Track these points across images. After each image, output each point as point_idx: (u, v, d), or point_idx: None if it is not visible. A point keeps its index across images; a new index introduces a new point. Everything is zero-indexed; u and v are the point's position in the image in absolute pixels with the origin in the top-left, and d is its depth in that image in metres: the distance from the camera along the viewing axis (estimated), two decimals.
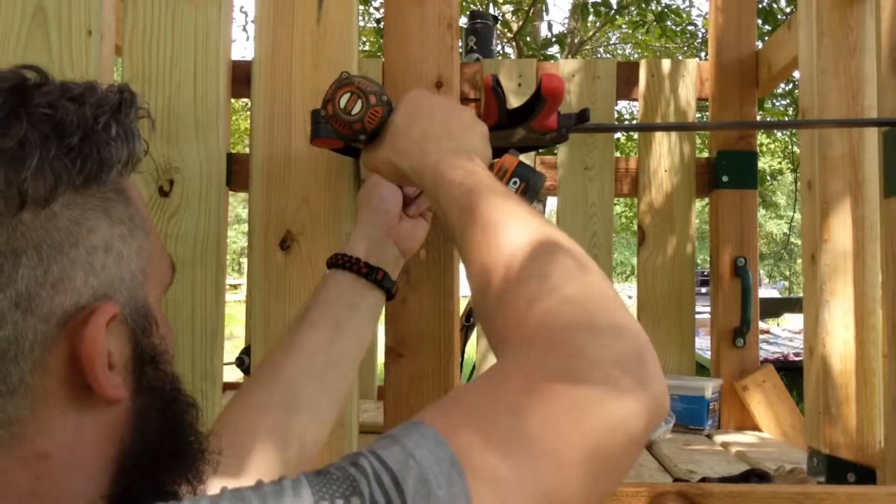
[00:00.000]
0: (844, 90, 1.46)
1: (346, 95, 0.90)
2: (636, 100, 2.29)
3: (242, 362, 1.33)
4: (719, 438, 2.00)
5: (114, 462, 0.52)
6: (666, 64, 2.29)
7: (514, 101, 1.27)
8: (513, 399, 0.50)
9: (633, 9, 5.33)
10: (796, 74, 1.78)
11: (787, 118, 6.20)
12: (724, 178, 2.13)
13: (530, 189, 0.92)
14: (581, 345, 0.53)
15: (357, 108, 0.89)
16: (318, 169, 1.18)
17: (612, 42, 10.72)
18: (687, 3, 7.25)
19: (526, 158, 2.27)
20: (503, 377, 0.53)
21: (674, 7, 5.65)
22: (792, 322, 9.93)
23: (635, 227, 2.24)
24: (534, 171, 0.94)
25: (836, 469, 1.43)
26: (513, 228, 0.66)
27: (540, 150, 2.15)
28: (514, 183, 0.92)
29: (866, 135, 1.44)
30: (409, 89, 1.17)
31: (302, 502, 0.42)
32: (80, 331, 0.48)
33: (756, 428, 2.10)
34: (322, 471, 0.45)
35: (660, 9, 5.20)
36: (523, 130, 1.06)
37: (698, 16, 8.16)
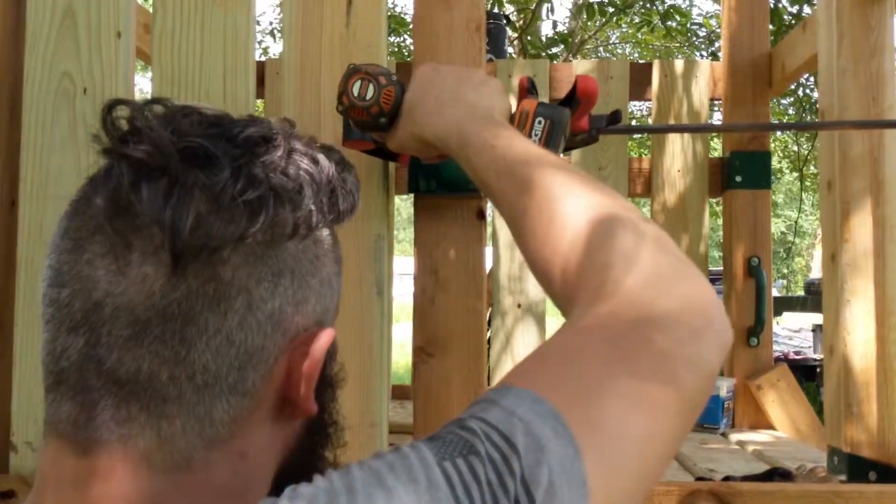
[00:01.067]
0: (864, 90, 1.46)
1: (358, 83, 0.91)
2: (649, 100, 2.30)
3: None
4: (734, 437, 2.01)
5: (276, 468, 0.58)
6: (679, 64, 2.30)
7: None
8: (598, 352, 0.53)
9: (638, 7, 5.35)
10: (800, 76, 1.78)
11: (787, 118, 6.20)
12: (738, 178, 2.14)
13: (556, 125, 0.92)
14: (652, 297, 0.56)
15: (370, 93, 0.91)
16: None
17: (611, 42, 10.73)
18: (688, 2, 7.24)
19: None
20: (583, 332, 0.56)
21: (678, 7, 5.66)
22: (791, 321, 9.93)
23: None
24: (554, 107, 0.93)
25: (857, 468, 1.44)
26: (569, 200, 0.67)
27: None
28: (539, 123, 0.92)
29: (887, 134, 1.44)
30: None
31: (427, 463, 0.45)
32: (304, 349, 0.55)
33: (770, 427, 2.11)
34: (433, 436, 0.48)
35: (665, 7, 5.22)
36: None
37: (699, 14, 8.18)
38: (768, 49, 2.15)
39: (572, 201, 0.66)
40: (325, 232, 0.58)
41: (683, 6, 6.55)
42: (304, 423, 0.59)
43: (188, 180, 0.50)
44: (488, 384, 1.53)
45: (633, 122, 7.11)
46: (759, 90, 2.14)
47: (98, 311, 0.50)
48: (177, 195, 0.49)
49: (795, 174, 9.49)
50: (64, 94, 1.20)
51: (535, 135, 0.91)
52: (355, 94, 0.91)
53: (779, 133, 9.29)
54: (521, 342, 2.26)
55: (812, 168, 9.35)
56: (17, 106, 1.22)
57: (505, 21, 2.63)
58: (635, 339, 0.54)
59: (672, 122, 2.26)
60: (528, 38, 5.70)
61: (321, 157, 0.57)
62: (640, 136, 6.06)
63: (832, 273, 1.52)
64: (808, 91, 5.20)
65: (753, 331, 2.11)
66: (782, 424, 2.07)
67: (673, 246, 0.62)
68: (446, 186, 1.16)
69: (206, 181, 0.50)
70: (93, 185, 0.53)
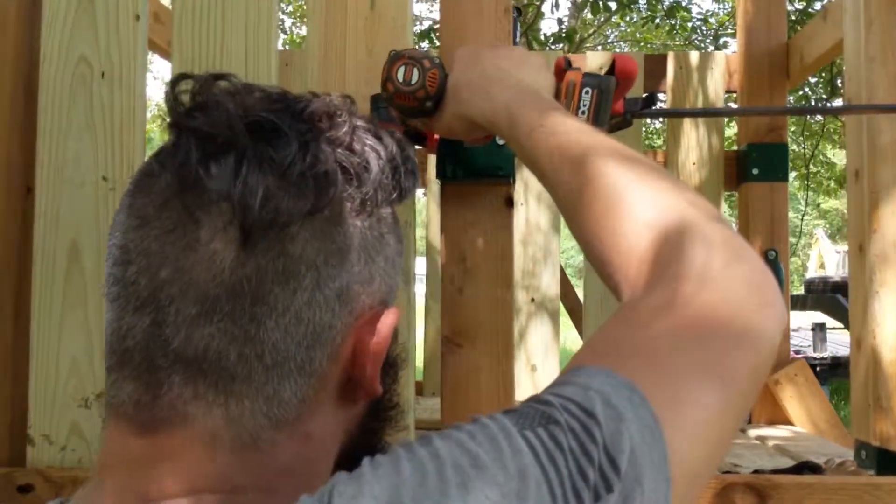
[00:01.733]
0: (894, 79, 1.44)
1: (402, 68, 0.90)
2: (664, 92, 2.28)
3: None
4: (753, 432, 1.98)
5: (338, 451, 0.57)
6: (694, 56, 2.27)
7: None
8: (666, 330, 0.52)
9: (642, 3, 5.33)
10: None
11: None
12: (755, 171, 2.11)
13: (603, 94, 0.90)
14: (714, 276, 0.55)
15: (415, 77, 0.89)
16: None
17: (609, 41, 10.72)
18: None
19: None
20: (648, 313, 0.54)
21: (681, 4, 5.65)
22: (791, 319, 9.91)
23: None
24: (600, 76, 0.92)
25: (887, 462, 1.41)
26: (630, 189, 0.64)
27: None
28: (587, 93, 0.90)
29: None
30: None
31: (508, 432, 0.44)
32: (370, 328, 0.54)
33: (788, 422, 2.08)
34: (510, 410, 0.47)
35: (669, 4, 5.19)
36: None
37: (699, 13, 8.18)
38: (785, 39, 2.13)
39: (634, 190, 0.63)
40: (388, 210, 0.58)
41: (685, 3, 6.54)
42: (367, 405, 0.58)
43: (256, 155, 0.49)
44: None
45: (645, 128, 7.08)
46: (777, 81, 2.12)
47: (165, 288, 0.48)
48: (245, 170, 0.49)
49: (793, 174, 9.49)
50: (81, 79, 1.17)
51: (584, 105, 0.90)
52: (400, 79, 0.89)
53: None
54: (535, 337, 2.23)
55: (812, 167, 9.36)
56: (32, 90, 1.19)
57: (517, 13, 2.60)
58: (708, 317, 0.53)
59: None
60: (531, 34, 5.68)
61: (384, 135, 0.57)
62: (659, 124, 6.03)
63: (860, 264, 1.49)
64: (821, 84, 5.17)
65: None
66: (800, 420, 2.05)
67: (741, 246, 0.59)
68: (474, 173, 1.13)
69: (274, 156, 0.50)
70: (159, 161, 0.52)
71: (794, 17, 4.49)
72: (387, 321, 0.55)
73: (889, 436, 1.42)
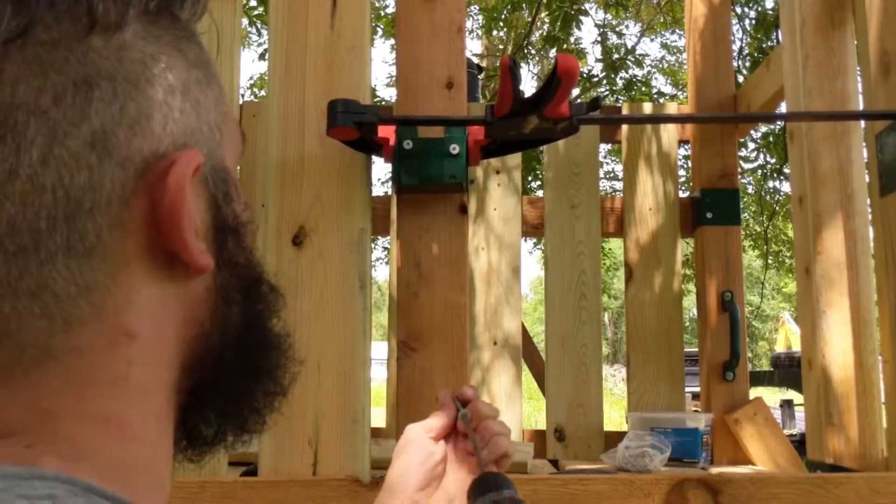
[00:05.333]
0: (830, 109, 1.52)
1: None
2: (619, 142, 2.35)
3: None
4: (716, 471, 1.98)
5: (189, 349, 0.46)
6: (647, 107, 2.36)
7: None
8: None
9: (600, 77, 5.54)
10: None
11: (755, 164, 6.35)
12: (709, 215, 2.18)
13: None
14: None
15: None
16: (330, 166, 1.19)
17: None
18: (646, 70, 7.46)
19: (514, 199, 2.28)
20: None
21: (640, 78, 5.87)
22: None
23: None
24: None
25: None
26: None
27: (526, 191, 2.17)
28: None
29: (854, 149, 1.49)
30: (420, 89, 1.21)
31: None
32: (162, 183, 0.41)
33: (749, 462, 2.09)
34: None
35: (628, 79, 5.40)
36: (536, 119, 1.09)
37: (651, 64, 8.45)
38: (733, 91, 2.22)
39: None
40: (165, 21, 0.44)
41: (644, 73, 6.77)
42: (215, 284, 0.47)
43: None
44: None
45: (603, 182, 7.24)
46: (727, 131, 2.20)
47: None
48: None
49: (757, 252, 9.66)
50: None
51: None
52: None
53: (743, 214, 9.47)
54: (498, 378, 2.23)
55: (773, 246, 9.54)
56: None
57: (477, 70, 2.70)
58: None
59: (642, 163, 2.31)
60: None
61: None
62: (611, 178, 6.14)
63: (807, 286, 1.54)
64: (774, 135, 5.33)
65: (729, 365, 2.11)
66: (761, 459, 2.05)
67: None
68: (428, 180, 1.17)
69: None
70: None
71: (744, 70, 4.67)
72: (177, 169, 0.42)
73: (841, 452, 1.44)
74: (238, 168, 1.19)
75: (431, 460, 0.85)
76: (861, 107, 1.47)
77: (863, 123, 1.45)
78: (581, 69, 1.14)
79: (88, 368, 0.40)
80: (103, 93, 0.40)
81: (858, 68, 1.49)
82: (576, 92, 5.75)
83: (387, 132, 1.17)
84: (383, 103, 6.08)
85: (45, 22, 0.38)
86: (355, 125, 1.10)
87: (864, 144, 1.48)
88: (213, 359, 0.47)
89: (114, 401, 0.41)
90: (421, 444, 0.86)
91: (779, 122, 4.13)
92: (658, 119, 2.26)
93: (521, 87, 1.06)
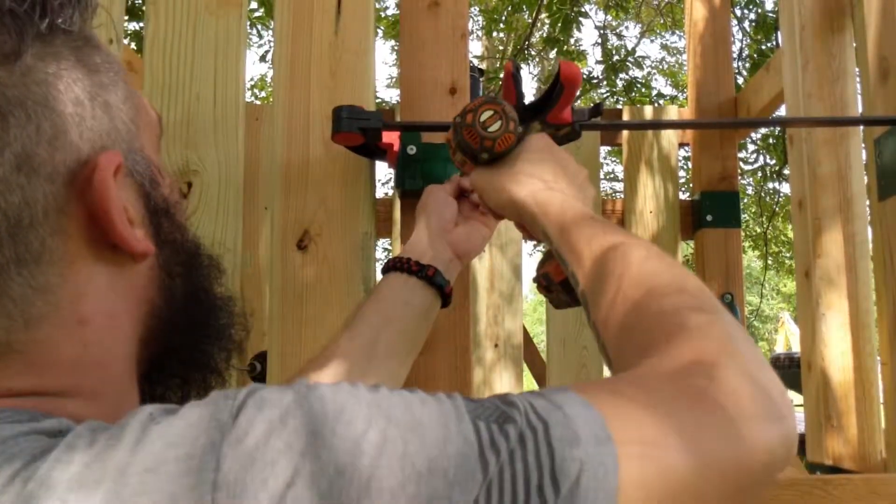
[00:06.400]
0: (829, 113, 1.53)
1: (490, 112, 0.90)
2: (620, 145, 2.37)
3: (254, 368, 1.33)
4: None
5: (144, 325, 0.52)
6: (648, 111, 2.37)
7: None
8: (664, 395, 0.48)
9: (600, 79, 5.56)
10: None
11: (755, 165, 6.37)
12: (709, 218, 2.19)
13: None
14: (730, 363, 0.52)
15: (495, 127, 0.89)
16: (335, 171, 1.20)
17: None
18: (646, 72, 7.49)
19: None
20: (652, 376, 0.51)
21: (640, 80, 5.89)
22: None
23: None
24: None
25: None
26: (650, 264, 0.63)
27: None
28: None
29: (852, 153, 1.50)
30: (424, 95, 1.22)
31: (459, 412, 0.41)
32: (89, 186, 0.46)
33: None
34: (475, 398, 0.44)
35: (628, 80, 5.42)
36: (539, 125, 1.10)
37: (651, 66, 8.47)
38: (733, 94, 2.24)
39: (676, 284, 0.61)
40: (59, 37, 0.47)
41: (644, 74, 6.79)
42: (159, 263, 0.52)
43: None
44: None
45: (604, 183, 7.29)
46: (727, 134, 2.21)
47: None
48: None
49: (756, 252, 9.67)
50: None
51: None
52: (481, 119, 0.90)
53: (743, 215, 9.50)
54: (499, 381, 2.25)
55: (773, 247, 9.56)
56: None
57: (478, 73, 2.71)
58: (710, 399, 0.48)
59: (642, 166, 2.32)
60: None
61: None
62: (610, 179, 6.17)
63: (806, 289, 1.55)
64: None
65: None
66: None
67: (762, 358, 0.55)
68: (432, 183, 1.18)
69: None
70: None
71: (744, 72, 4.70)
72: (99, 172, 0.46)
73: (840, 454, 1.46)
74: (219, 164, 1.20)
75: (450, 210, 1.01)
76: (860, 111, 1.48)
77: (862, 128, 1.46)
78: (581, 71, 1.17)
79: (47, 355, 0.46)
80: (17, 119, 0.43)
81: (857, 69, 1.51)
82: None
83: (391, 138, 1.18)
84: (383, 104, 6.10)
85: None
86: (360, 131, 1.12)
87: (863, 148, 1.50)
88: (167, 329, 0.53)
89: (71, 377, 0.47)
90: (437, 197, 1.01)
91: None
92: (660, 125, 2.27)
93: (523, 92, 1.07)
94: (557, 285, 0.97)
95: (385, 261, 0.99)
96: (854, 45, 1.54)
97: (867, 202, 1.49)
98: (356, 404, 0.39)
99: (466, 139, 0.91)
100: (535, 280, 1.01)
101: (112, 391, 0.50)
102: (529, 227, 0.85)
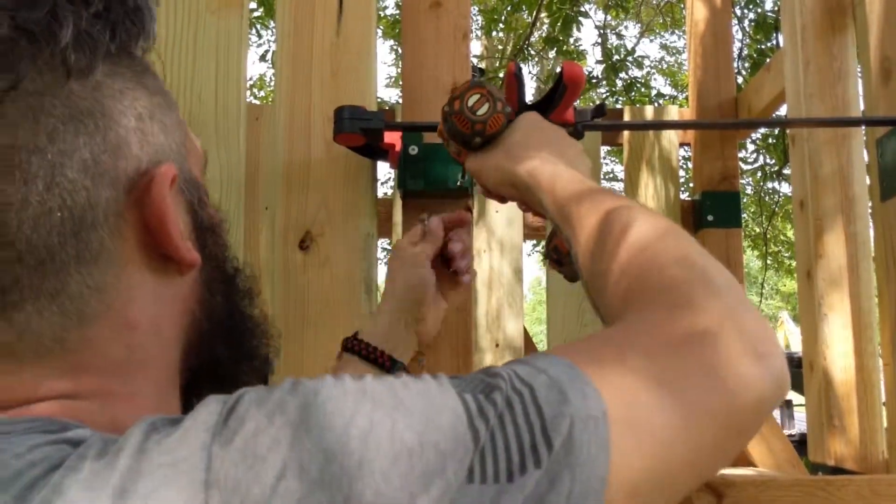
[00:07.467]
0: (831, 114, 1.53)
1: (476, 96, 0.91)
2: (621, 145, 2.36)
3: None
4: (718, 474, 1.99)
5: (185, 334, 0.54)
6: (649, 111, 2.37)
7: None
8: (645, 345, 0.50)
9: (600, 79, 5.56)
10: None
11: (755, 165, 6.38)
12: (710, 218, 2.19)
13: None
14: (709, 307, 0.53)
15: (483, 110, 0.90)
16: (336, 171, 1.20)
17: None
18: (646, 71, 7.50)
19: (512, 214, 2.29)
20: (632, 329, 0.53)
21: (640, 79, 5.89)
22: None
23: None
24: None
25: None
26: (641, 222, 0.64)
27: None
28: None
29: (854, 152, 1.50)
30: (426, 95, 1.22)
31: (444, 388, 0.43)
32: (147, 195, 0.50)
33: (751, 463, 2.10)
34: (456, 375, 0.45)
35: (628, 80, 5.43)
36: None
37: (651, 66, 8.46)
38: (734, 94, 2.23)
39: (660, 240, 0.62)
40: (125, 60, 0.51)
41: (643, 73, 6.79)
42: (201, 278, 0.55)
43: None
44: None
45: (604, 183, 7.27)
46: (727, 134, 2.21)
47: None
48: None
49: (756, 252, 9.67)
50: None
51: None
52: (469, 104, 0.90)
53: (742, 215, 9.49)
54: None
55: (773, 247, 9.57)
56: None
57: (479, 73, 2.70)
58: (690, 345, 0.50)
59: (643, 166, 2.32)
60: None
61: None
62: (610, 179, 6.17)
63: (808, 289, 1.55)
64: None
65: None
66: (763, 460, 2.06)
67: (744, 297, 0.57)
68: (433, 185, 1.18)
69: None
70: None
71: (744, 71, 4.70)
72: (156, 184, 0.50)
73: (842, 455, 1.45)
74: (221, 164, 1.20)
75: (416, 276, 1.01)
76: (862, 111, 1.48)
77: (863, 128, 1.46)
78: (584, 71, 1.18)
79: (95, 355, 0.48)
80: (87, 127, 0.47)
81: (859, 69, 1.50)
82: None
83: (392, 138, 1.18)
84: (382, 103, 6.10)
85: (30, 76, 0.45)
86: (361, 131, 1.11)
87: (864, 148, 1.50)
88: (205, 343, 0.56)
89: (111, 378, 0.49)
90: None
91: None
92: (661, 125, 2.27)
93: (525, 92, 1.07)
94: (567, 256, 0.98)
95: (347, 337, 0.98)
96: (856, 45, 1.54)
97: (869, 203, 1.49)
98: (342, 394, 0.41)
99: (458, 126, 0.91)
100: (545, 256, 1.02)
101: (152, 395, 0.51)
102: (528, 200, 0.86)
